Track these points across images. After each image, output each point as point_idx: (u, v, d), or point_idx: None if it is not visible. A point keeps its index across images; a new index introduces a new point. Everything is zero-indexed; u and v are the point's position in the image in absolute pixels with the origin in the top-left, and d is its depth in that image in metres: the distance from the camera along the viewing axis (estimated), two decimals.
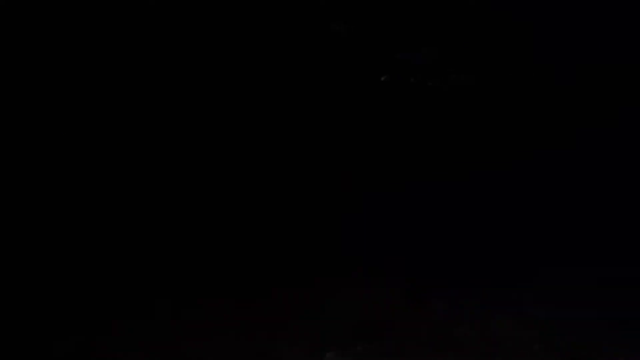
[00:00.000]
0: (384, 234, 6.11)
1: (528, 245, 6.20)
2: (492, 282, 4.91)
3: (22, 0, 6.19)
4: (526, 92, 6.82)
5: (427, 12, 6.85)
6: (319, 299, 4.39)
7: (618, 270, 5.01)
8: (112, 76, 6.48)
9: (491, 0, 6.82)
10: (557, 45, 6.72)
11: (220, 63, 6.71)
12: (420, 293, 4.61)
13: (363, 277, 4.88)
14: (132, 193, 6.18)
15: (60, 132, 6.26)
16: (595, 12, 6.55)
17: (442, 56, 6.88)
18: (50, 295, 4.70)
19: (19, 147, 6.09)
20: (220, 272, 5.11)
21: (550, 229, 6.07)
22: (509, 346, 3.67)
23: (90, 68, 6.44)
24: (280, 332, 3.96)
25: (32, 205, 5.81)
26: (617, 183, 6.28)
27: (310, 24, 6.71)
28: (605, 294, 4.55)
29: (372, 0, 6.85)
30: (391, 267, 5.20)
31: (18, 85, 6.18)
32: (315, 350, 3.64)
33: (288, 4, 6.74)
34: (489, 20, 6.83)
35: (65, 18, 6.29)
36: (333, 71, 6.77)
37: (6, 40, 6.09)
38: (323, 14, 6.76)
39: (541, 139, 6.74)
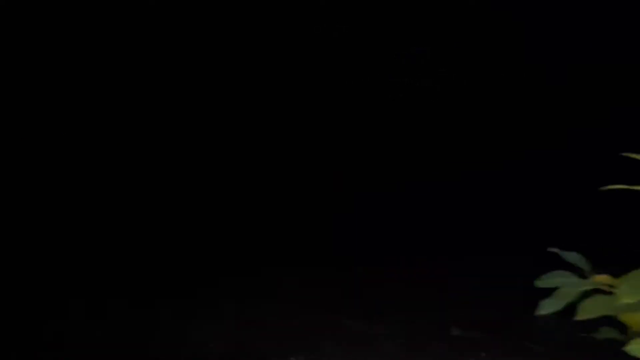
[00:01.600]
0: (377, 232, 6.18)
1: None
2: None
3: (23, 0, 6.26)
4: (518, 92, 6.85)
5: (420, 13, 6.88)
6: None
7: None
8: (111, 76, 6.55)
9: (486, 1, 6.85)
10: (549, 45, 6.74)
11: (220, 63, 6.76)
12: None
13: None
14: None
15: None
16: (587, 12, 6.57)
17: (434, 56, 6.92)
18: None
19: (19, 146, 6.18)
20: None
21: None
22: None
23: (90, 68, 6.51)
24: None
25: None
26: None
27: (305, 25, 6.76)
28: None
29: (367, 1, 6.89)
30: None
31: (18, 85, 6.24)
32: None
33: (285, 4, 6.78)
34: (482, 21, 6.86)
35: (65, 18, 6.35)
36: (327, 72, 6.83)
37: (6, 41, 6.16)
38: (317, 15, 6.80)
39: (533, 139, 6.78)
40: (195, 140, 6.76)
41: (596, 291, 1.63)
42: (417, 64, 6.89)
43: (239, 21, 6.64)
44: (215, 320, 4.12)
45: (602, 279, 1.66)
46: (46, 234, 5.56)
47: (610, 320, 1.64)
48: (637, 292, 1.44)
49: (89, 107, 6.41)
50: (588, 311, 1.57)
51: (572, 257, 1.75)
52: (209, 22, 6.60)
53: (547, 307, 1.66)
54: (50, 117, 6.20)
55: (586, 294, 1.63)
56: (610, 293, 1.61)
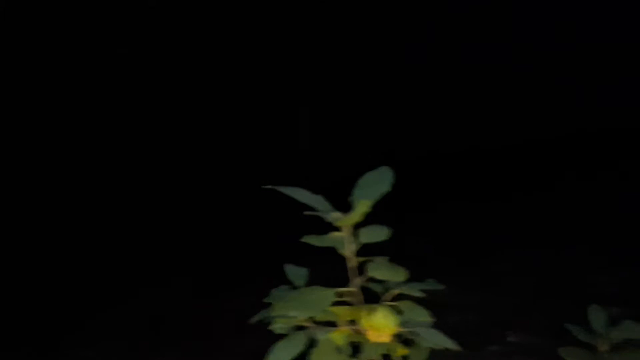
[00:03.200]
0: None
1: None
2: None
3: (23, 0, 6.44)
4: (516, 89, 6.79)
5: (420, 13, 6.90)
6: None
7: None
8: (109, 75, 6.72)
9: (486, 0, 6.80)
10: (548, 44, 6.66)
11: (221, 63, 6.90)
12: None
13: None
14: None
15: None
16: (587, 12, 6.46)
17: (435, 56, 6.92)
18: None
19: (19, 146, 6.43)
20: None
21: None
22: None
23: (90, 68, 6.69)
24: None
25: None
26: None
27: (305, 25, 6.85)
28: None
29: (367, 1, 6.94)
30: None
31: (18, 85, 6.47)
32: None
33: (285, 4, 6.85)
34: (482, 21, 6.82)
35: (66, 18, 6.54)
36: (327, 72, 6.92)
37: (6, 40, 6.37)
38: (317, 15, 6.88)
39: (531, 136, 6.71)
40: (188, 137, 6.90)
41: None
42: (418, 64, 6.92)
43: (240, 21, 6.78)
44: None
45: None
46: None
47: None
48: (283, 309, 1.62)
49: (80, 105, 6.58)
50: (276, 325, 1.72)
51: (292, 273, 1.89)
52: (209, 22, 6.76)
53: (256, 317, 1.83)
54: (50, 116, 6.45)
55: None
56: None
